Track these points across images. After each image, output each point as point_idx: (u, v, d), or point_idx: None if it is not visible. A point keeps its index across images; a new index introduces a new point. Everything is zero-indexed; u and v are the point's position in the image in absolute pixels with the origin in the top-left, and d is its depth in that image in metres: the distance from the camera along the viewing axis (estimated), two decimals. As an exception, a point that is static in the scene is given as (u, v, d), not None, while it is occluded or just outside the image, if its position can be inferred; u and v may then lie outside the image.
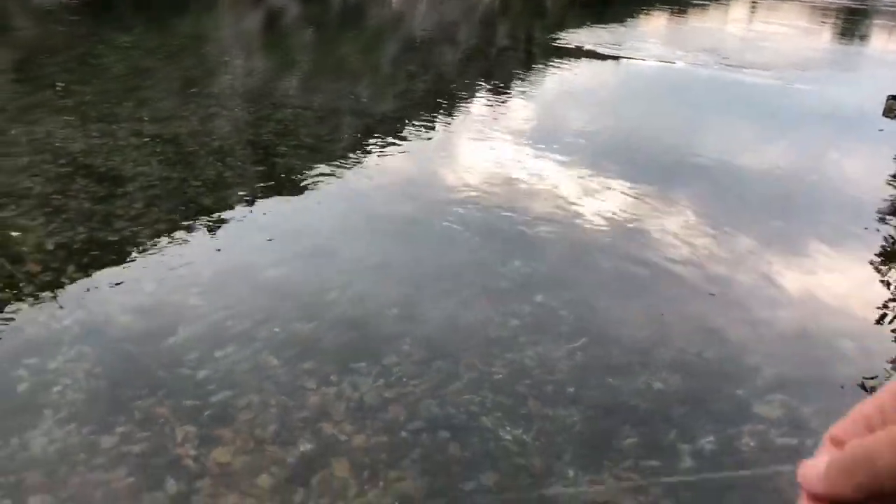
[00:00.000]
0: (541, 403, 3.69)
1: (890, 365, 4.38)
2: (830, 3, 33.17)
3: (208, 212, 5.60)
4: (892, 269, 5.79)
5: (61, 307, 4.13)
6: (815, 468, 0.49)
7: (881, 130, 10.44)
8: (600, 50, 15.21)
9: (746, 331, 4.61)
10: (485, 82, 12.08)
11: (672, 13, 25.89)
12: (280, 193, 6.09)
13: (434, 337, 4.21)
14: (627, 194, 6.79)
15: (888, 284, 5.53)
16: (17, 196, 5.42)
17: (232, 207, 5.73)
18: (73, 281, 4.44)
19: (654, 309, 4.77)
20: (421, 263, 5.20)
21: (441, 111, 9.49)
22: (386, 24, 18.83)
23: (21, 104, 7.70)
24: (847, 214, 6.93)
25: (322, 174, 6.62)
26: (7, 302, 4.12)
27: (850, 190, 7.72)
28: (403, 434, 3.39)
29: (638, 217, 6.26)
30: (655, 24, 23.27)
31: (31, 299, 4.18)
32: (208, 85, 9.67)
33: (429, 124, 8.79)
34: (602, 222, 6.08)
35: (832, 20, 28.04)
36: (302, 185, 6.35)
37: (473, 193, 6.46)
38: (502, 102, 10.49)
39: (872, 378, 4.20)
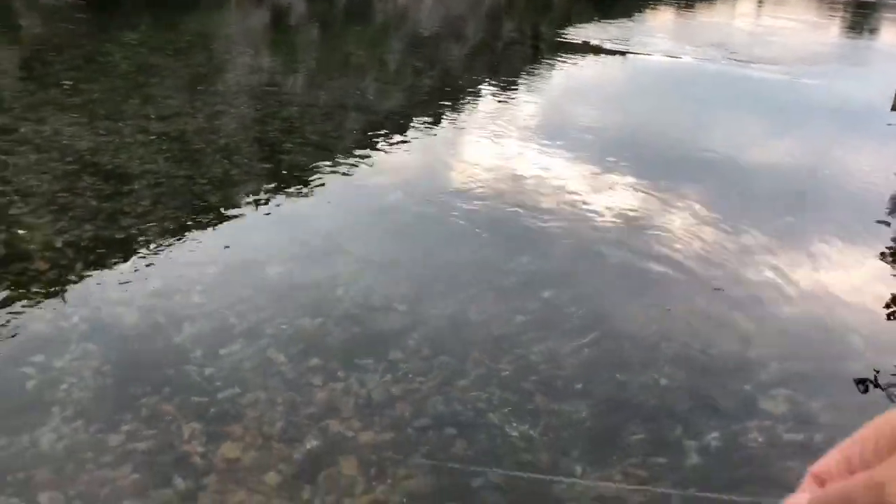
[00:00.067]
0: (548, 399, 3.69)
1: (899, 360, 4.36)
2: (839, -4, 32.97)
3: (214, 209, 5.61)
4: (901, 264, 5.76)
5: (68, 305, 4.15)
6: None
7: (890, 125, 10.38)
8: (607, 45, 15.16)
9: (754, 326, 4.59)
10: (491, 78, 12.06)
11: (679, 8, 25.79)
12: (286, 190, 6.10)
13: (441, 333, 4.21)
14: (634, 189, 6.77)
15: (897, 279, 5.50)
16: (24, 194, 5.43)
17: (238, 205, 5.74)
18: (80, 279, 4.45)
19: (661, 304, 4.76)
20: (427, 259, 5.20)
21: (447, 107, 9.48)
22: (391, 19, 18.81)
23: (28, 102, 7.72)
24: (855, 209, 6.89)
25: (328, 171, 6.62)
26: (15, 300, 4.13)
27: (858, 185, 7.68)
28: (410, 431, 3.39)
29: (645, 212, 6.24)
30: (663, 18, 23.18)
31: (38, 297, 4.20)
32: (215, 82, 9.68)
33: (435, 120, 8.78)
34: (609, 218, 6.06)
35: (840, 14, 27.88)
36: (308, 181, 6.35)
37: (480, 189, 6.46)
38: (509, 98, 10.47)
39: (878, 373, 4.18)
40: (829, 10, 28.38)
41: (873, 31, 24.60)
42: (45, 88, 8.30)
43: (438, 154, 7.65)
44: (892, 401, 3.93)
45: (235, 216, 5.54)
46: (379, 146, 7.54)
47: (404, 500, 3.00)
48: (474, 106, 9.87)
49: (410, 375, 3.78)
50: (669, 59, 14.58)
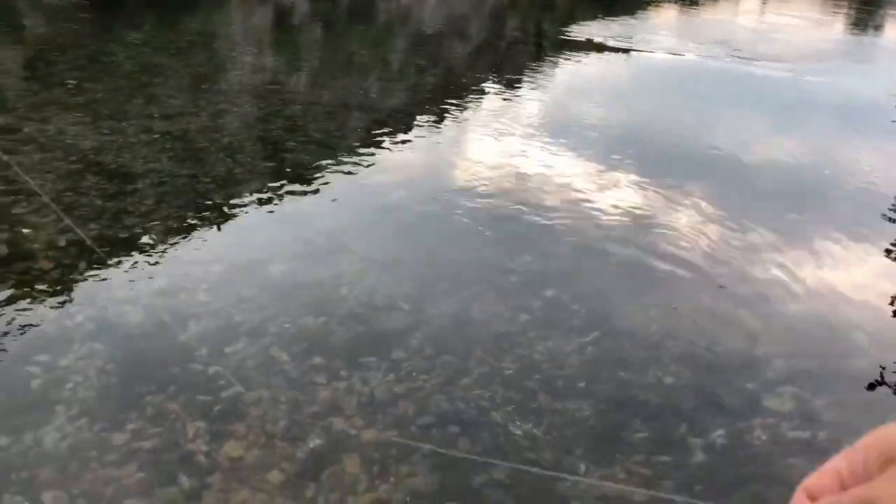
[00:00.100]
0: (551, 398, 3.69)
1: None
2: (843, -7, 32.87)
3: (218, 208, 5.62)
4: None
5: (73, 304, 4.15)
6: None
7: (894, 122, 10.35)
8: (611, 43, 15.13)
9: (759, 324, 4.58)
10: (494, 76, 12.05)
11: (683, 5, 25.73)
12: (290, 189, 6.10)
13: (444, 332, 4.21)
14: (638, 187, 6.76)
15: (902, 277, 5.49)
16: (28, 193, 5.44)
17: (242, 203, 5.74)
18: (84, 278, 4.46)
19: (665, 302, 4.75)
20: (430, 258, 5.20)
21: (451, 105, 9.47)
22: (395, 18, 18.80)
23: (32, 101, 7.73)
24: (860, 206, 6.87)
25: (331, 169, 6.62)
26: (19, 299, 4.14)
27: (863, 182, 7.65)
28: (413, 429, 3.39)
29: (649, 210, 6.23)
30: (666, 16, 23.14)
31: (42, 296, 4.20)
32: (218, 81, 9.68)
33: (438, 119, 8.77)
34: (613, 215, 6.05)
35: (845, 11, 27.80)
36: (311, 180, 6.35)
37: (483, 187, 6.45)
38: (512, 96, 10.46)
39: (884, 369, 4.17)
40: (834, 7, 28.30)
41: (878, 27, 24.52)
42: (49, 88, 8.31)
43: (442, 152, 7.65)
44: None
45: (239, 215, 5.55)
46: (382, 145, 7.54)
47: (407, 498, 3.00)
48: (478, 104, 9.86)
49: (413, 374, 3.78)
50: (673, 56, 14.55)
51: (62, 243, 4.79)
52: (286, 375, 3.68)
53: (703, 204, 6.46)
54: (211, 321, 4.08)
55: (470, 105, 9.75)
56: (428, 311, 4.41)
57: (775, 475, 3.31)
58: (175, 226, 5.23)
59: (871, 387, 4.03)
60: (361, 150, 7.27)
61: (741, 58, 14.44)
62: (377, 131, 8.04)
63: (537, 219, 5.87)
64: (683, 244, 5.60)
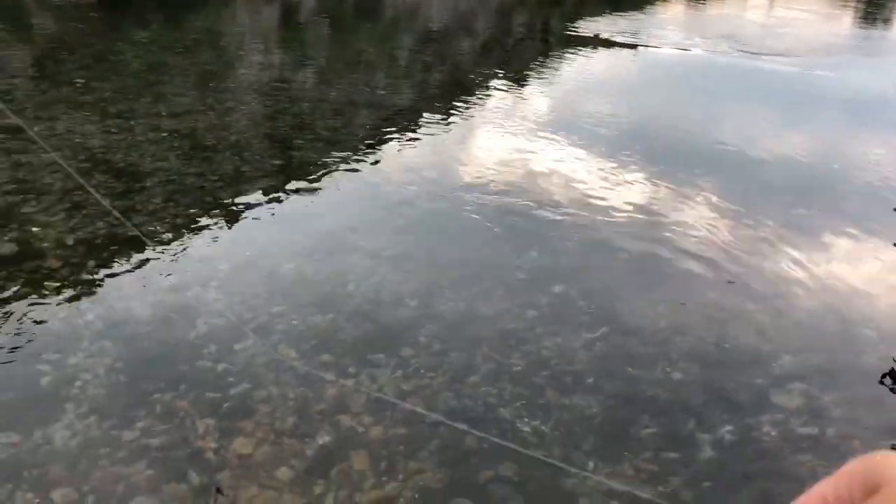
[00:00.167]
0: (559, 394, 3.68)
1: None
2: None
3: (226, 206, 5.63)
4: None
5: (82, 302, 4.17)
6: None
7: (904, 115, 10.30)
8: (618, 38, 15.09)
9: (767, 319, 4.57)
10: (501, 72, 12.03)
11: (690, 0, 25.63)
12: (297, 186, 6.10)
13: (452, 328, 4.21)
14: (646, 183, 6.74)
15: (912, 272, 5.46)
16: (37, 192, 5.47)
17: (249, 201, 5.75)
18: (93, 276, 4.47)
19: (674, 298, 4.74)
20: (438, 254, 5.20)
21: (458, 102, 9.47)
22: (401, 15, 18.79)
23: (41, 101, 7.76)
24: (868, 201, 6.84)
25: (339, 167, 6.63)
26: (28, 297, 4.16)
27: (871, 176, 7.62)
28: (422, 426, 3.40)
29: (657, 205, 6.22)
30: (674, 11, 23.06)
31: (52, 294, 4.22)
32: (225, 79, 9.70)
33: (445, 115, 8.77)
34: (621, 211, 6.04)
35: (854, 4, 27.64)
36: (319, 177, 6.36)
37: (491, 184, 6.44)
38: (519, 92, 10.45)
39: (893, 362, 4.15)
40: (842, 1, 28.15)
41: (887, 21, 24.38)
42: (58, 87, 8.35)
43: (449, 149, 7.64)
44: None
45: (247, 213, 5.56)
46: (390, 142, 7.55)
47: (416, 494, 3.01)
48: (485, 101, 9.85)
49: (421, 371, 3.79)
50: (680, 51, 14.51)
51: (70, 242, 4.81)
52: (295, 372, 3.68)
53: (712, 199, 6.44)
54: (219, 319, 4.09)
55: (477, 101, 9.74)
56: (436, 308, 4.41)
57: (784, 471, 3.30)
58: (183, 224, 5.24)
59: (881, 382, 4.01)
60: (369, 148, 7.28)
61: (749, 52, 14.38)
62: (385, 128, 8.04)
63: (545, 214, 5.87)
64: (692, 239, 5.59)
